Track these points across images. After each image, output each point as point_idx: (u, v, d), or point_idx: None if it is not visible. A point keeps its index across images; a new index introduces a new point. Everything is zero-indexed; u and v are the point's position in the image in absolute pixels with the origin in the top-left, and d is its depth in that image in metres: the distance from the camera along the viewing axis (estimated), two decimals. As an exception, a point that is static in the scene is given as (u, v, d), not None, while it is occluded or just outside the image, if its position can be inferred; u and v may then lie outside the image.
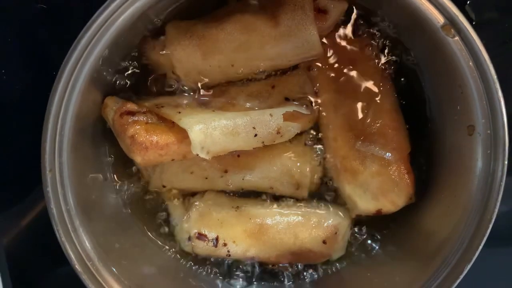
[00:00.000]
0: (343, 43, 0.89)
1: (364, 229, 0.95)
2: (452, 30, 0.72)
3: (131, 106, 0.81)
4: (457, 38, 0.72)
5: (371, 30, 0.89)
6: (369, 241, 0.95)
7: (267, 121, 0.81)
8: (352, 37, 0.89)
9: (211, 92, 0.90)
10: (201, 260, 0.96)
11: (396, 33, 0.88)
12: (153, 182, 0.93)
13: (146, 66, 0.90)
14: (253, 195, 0.95)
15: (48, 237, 0.78)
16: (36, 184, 0.92)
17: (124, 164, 0.92)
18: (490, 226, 0.74)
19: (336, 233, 0.90)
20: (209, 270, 0.96)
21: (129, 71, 0.89)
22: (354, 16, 0.89)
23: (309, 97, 0.90)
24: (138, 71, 0.90)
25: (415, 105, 0.90)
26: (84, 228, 0.80)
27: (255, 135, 0.81)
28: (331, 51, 0.89)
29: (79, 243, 0.79)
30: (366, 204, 0.89)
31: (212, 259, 0.96)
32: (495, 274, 1.02)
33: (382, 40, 0.89)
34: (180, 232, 0.92)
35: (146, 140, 0.78)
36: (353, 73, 0.89)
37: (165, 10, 0.87)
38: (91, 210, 0.83)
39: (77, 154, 0.80)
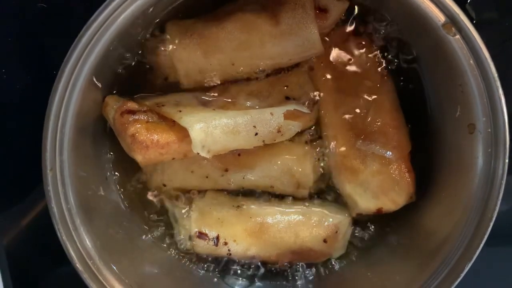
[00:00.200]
0: (344, 41, 0.89)
1: (364, 228, 0.95)
2: (453, 29, 0.72)
3: (131, 105, 0.81)
4: (458, 36, 0.72)
5: (372, 29, 0.89)
6: (369, 240, 0.95)
7: (267, 120, 0.81)
8: (353, 36, 0.89)
9: (211, 91, 0.90)
10: (202, 259, 0.96)
11: (397, 32, 0.88)
12: (154, 181, 0.93)
13: (146, 65, 0.90)
14: (253, 194, 0.95)
15: (49, 236, 0.78)
16: (36, 184, 0.93)
17: (124, 163, 0.91)
18: (491, 225, 0.74)
19: (336, 232, 0.90)
20: (210, 269, 0.96)
21: (130, 70, 0.89)
22: (354, 15, 0.89)
23: (310, 96, 0.90)
24: (139, 70, 0.90)
25: (416, 104, 0.90)
26: (85, 227, 0.80)
27: (256, 134, 0.81)
28: (332, 50, 0.89)
29: (80, 242, 0.79)
30: (366, 203, 0.89)
31: (212, 258, 0.96)
32: (496, 273, 1.02)
33: (382, 38, 0.89)
34: (181, 231, 0.92)
35: (146, 139, 0.78)
36: (354, 72, 0.89)
37: (165, 9, 0.87)
38: (91, 209, 0.83)
39: (78, 153, 0.80)
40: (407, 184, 0.88)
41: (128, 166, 0.93)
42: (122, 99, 0.84)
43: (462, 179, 0.79)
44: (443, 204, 0.84)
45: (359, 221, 0.95)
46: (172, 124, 0.80)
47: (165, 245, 0.95)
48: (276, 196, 0.95)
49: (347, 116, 0.89)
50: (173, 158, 0.83)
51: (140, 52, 0.89)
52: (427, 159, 0.90)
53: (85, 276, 0.79)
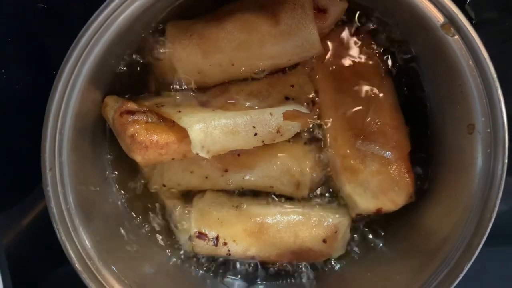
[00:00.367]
0: (343, 42, 0.89)
1: (364, 228, 0.95)
2: (452, 29, 0.72)
3: (131, 105, 0.81)
4: (456, 37, 0.72)
5: (371, 29, 0.89)
6: (369, 240, 0.95)
7: (267, 120, 0.81)
8: (352, 36, 0.89)
9: (211, 91, 0.90)
10: (201, 259, 0.96)
11: (396, 32, 0.88)
12: (153, 181, 0.93)
13: (146, 65, 0.90)
14: (253, 194, 0.95)
15: (48, 236, 0.78)
16: (36, 184, 0.92)
17: (124, 163, 0.91)
18: (490, 225, 0.74)
19: (336, 232, 0.90)
20: (209, 269, 0.96)
21: (129, 70, 0.89)
22: (354, 15, 0.89)
23: (309, 96, 0.90)
24: (138, 70, 0.90)
25: (415, 104, 0.90)
26: (84, 227, 0.80)
27: (255, 134, 0.81)
28: (331, 50, 0.89)
29: (79, 242, 0.79)
30: (366, 203, 0.89)
31: (212, 258, 0.96)
32: (495, 273, 1.03)
33: (382, 39, 0.89)
34: (180, 231, 0.92)
35: (146, 139, 0.78)
36: (353, 72, 0.89)
37: (165, 9, 0.86)
38: (91, 209, 0.83)
39: (77, 153, 0.80)
40: (407, 184, 0.88)
41: (128, 167, 0.93)
42: (121, 99, 0.84)
43: (462, 179, 0.79)
44: (443, 204, 0.84)
45: (359, 221, 0.94)
46: (172, 125, 0.80)
47: (164, 245, 0.95)
48: (276, 196, 0.95)
49: (346, 116, 0.89)
50: (173, 159, 0.83)
51: (139, 52, 0.89)
52: (426, 159, 0.90)
53: (84, 276, 0.79)
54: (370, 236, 0.95)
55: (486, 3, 0.90)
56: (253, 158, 0.90)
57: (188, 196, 0.95)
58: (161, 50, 0.87)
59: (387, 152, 0.87)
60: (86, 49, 0.74)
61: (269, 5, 0.84)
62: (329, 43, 0.89)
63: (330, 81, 0.90)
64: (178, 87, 0.90)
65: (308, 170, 0.91)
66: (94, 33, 0.74)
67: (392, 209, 0.89)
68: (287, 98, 0.89)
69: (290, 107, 0.84)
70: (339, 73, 0.90)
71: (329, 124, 0.90)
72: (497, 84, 0.71)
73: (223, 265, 0.97)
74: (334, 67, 0.90)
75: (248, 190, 0.95)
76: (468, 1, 0.88)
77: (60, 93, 0.75)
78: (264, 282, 0.97)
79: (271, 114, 0.82)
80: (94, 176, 0.88)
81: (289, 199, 0.94)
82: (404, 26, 0.86)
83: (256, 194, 0.95)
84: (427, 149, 0.90)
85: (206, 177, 0.92)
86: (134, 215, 0.95)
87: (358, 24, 0.90)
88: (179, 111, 0.80)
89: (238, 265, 0.96)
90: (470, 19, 0.72)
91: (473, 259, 0.75)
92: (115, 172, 0.93)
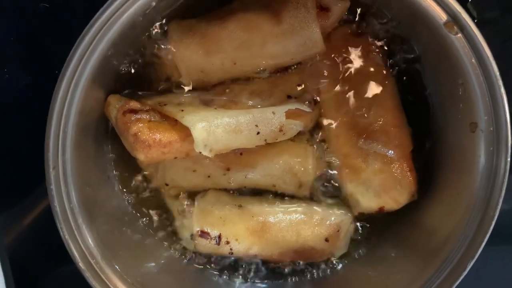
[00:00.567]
0: (346, 40, 0.89)
1: (366, 226, 0.95)
2: (455, 27, 0.72)
3: (134, 104, 0.81)
4: (460, 35, 0.72)
5: (374, 28, 0.89)
6: (371, 239, 0.95)
7: (269, 119, 0.81)
8: (355, 35, 0.89)
9: (213, 90, 0.90)
10: (204, 258, 0.96)
11: (398, 31, 0.88)
12: (156, 180, 0.94)
13: (148, 64, 0.90)
14: (255, 193, 0.95)
15: (50, 235, 0.78)
16: (38, 183, 0.93)
17: (126, 162, 0.92)
18: (493, 223, 0.74)
19: (338, 231, 0.90)
20: (211, 268, 0.96)
21: (132, 69, 0.89)
22: (356, 13, 0.89)
23: (312, 95, 0.90)
24: (141, 69, 0.90)
25: (417, 103, 0.90)
26: (87, 226, 0.80)
27: (258, 133, 0.81)
28: (334, 49, 0.89)
29: (82, 241, 0.79)
30: (368, 202, 0.89)
31: (214, 257, 0.96)
32: (497, 272, 1.02)
33: (384, 37, 0.89)
34: (183, 230, 0.93)
35: (149, 138, 0.78)
36: (356, 71, 0.89)
37: (167, 8, 0.86)
38: (94, 208, 0.83)
39: (80, 152, 0.80)
40: (409, 183, 0.88)
41: (130, 165, 0.93)
42: (124, 98, 0.84)
43: (464, 178, 0.79)
44: (445, 202, 0.84)
45: (361, 220, 0.95)
46: (174, 123, 0.80)
47: (167, 244, 0.95)
48: (278, 195, 0.95)
49: (349, 115, 0.89)
50: (175, 157, 0.83)
51: (142, 51, 0.89)
52: (429, 158, 0.90)
53: (88, 275, 0.79)
54: (372, 235, 0.95)
55: (488, 2, 0.91)
56: (256, 157, 0.90)
57: (190, 195, 0.94)
58: (163, 49, 0.87)
59: (390, 151, 0.87)
60: (89, 48, 0.75)
61: (271, 4, 0.84)
62: (331, 42, 0.89)
63: (332, 80, 0.90)
64: (180, 86, 0.90)
65: (310, 169, 0.91)
66: (97, 32, 0.74)
67: (394, 207, 0.89)
68: (289, 97, 0.89)
69: (292, 106, 0.84)
70: (341, 72, 0.90)
71: (331, 123, 0.90)
72: (500, 82, 0.71)
73: (225, 264, 0.96)
74: (336, 66, 0.90)
75: (251, 189, 0.95)
76: (470, 0, 0.88)
77: (63, 92, 0.75)
78: (266, 281, 0.96)
79: (273, 113, 0.82)
80: (97, 175, 0.88)
81: (291, 198, 0.94)
82: (406, 24, 0.86)
83: (259, 193, 0.95)
84: (429, 147, 0.90)
85: (209, 176, 0.92)
86: (137, 214, 0.95)
87: (361, 22, 0.90)
88: (182, 110, 0.80)
89: (240, 264, 0.96)
90: (472, 18, 0.72)
91: (476, 257, 0.74)
92: (118, 170, 0.93)
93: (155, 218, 0.96)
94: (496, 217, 0.74)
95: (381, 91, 0.88)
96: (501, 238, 0.81)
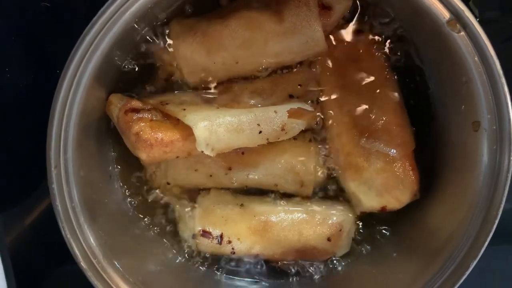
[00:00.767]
0: (348, 39, 0.89)
1: (368, 226, 0.95)
2: (458, 25, 0.72)
3: (135, 103, 0.81)
4: (462, 33, 0.72)
5: (376, 26, 0.89)
6: (373, 238, 0.95)
7: (271, 118, 0.81)
8: (357, 33, 0.89)
9: (215, 89, 0.90)
10: (205, 257, 0.96)
11: (401, 29, 0.88)
12: (158, 180, 0.93)
13: (150, 64, 0.90)
14: (257, 192, 0.95)
15: (52, 235, 0.78)
16: (39, 183, 0.93)
17: (128, 161, 0.91)
18: (496, 222, 0.74)
19: (340, 230, 0.90)
20: (213, 267, 0.96)
21: (134, 69, 0.89)
22: (358, 12, 0.89)
23: (314, 94, 0.90)
24: (143, 68, 0.90)
25: (420, 102, 0.90)
26: (89, 225, 0.80)
27: (260, 132, 0.81)
28: (336, 48, 0.89)
29: (84, 240, 0.79)
30: (370, 201, 0.89)
31: (216, 256, 0.96)
32: (500, 271, 1.02)
33: (386, 36, 0.89)
34: (185, 230, 0.92)
35: (151, 137, 0.78)
36: (358, 70, 0.89)
37: (169, 7, 0.87)
38: (95, 207, 0.83)
39: (82, 151, 0.80)
40: (411, 182, 0.87)
41: (132, 165, 0.93)
42: (126, 97, 0.84)
43: (467, 177, 0.78)
44: (448, 202, 0.84)
45: (363, 219, 0.94)
46: (176, 123, 0.80)
47: (169, 243, 0.95)
48: (280, 195, 0.94)
49: (351, 114, 0.89)
50: (177, 157, 0.83)
51: (144, 50, 0.89)
52: (431, 156, 0.90)
53: (90, 274, 0.79)
54: (375, 234, 0.95)
55: (490, 1, 0.90)
56: (257, 156, 0.90)
57: (192, 194, 0.94)
58: (165, 48, 0.87)
59: (392, 150, 0.87)
60: (91, 47, 0.75)
61: (273, 2, 0.84)
62: (333, 40, 0.89)
63: (335, 79, 0.90)
64: (182, 85, 0.90)
65: (312, 168, 0.91)
66: (98, 31, 0.74)
67: (397, 207, 0.89)
68: (291, 96, 0.89)
69: (294, 105, 0.84)
70: (343, 71, 0.90)
71: (333, 122, 0.90)
72: (503, 80, 0.71)
73: (227, 263, 0.96)
74: (338, 65, 0.90)
75: (252, 188, 0.95)
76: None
77: (65, 91, 0.75)
78: (268, 281, 0.96)
79: (275, 112, 0.82)
80: (99, 174, 0.88)
81: (293, 197, 0.94)
82: (409, 23, 0.86)
83: (260, 192, 0.95)
84: (432, 146, 0.90)
85: (210, 175, 0.92)
86: (139, 213, 0.95)
87: (363, 21, 0.89)
88: (184, 109, 0.80)
89: (242, 263, 0.96)
90: (474, 17, 0.72)
91: (479, 257, 0.74)
92: (119, 170, 0.93)
93: (157, 217, 0.96)
94: (499, 216, 0.74)
95: (383, 90, 0.88)
96: (504, 237, 0.80)
